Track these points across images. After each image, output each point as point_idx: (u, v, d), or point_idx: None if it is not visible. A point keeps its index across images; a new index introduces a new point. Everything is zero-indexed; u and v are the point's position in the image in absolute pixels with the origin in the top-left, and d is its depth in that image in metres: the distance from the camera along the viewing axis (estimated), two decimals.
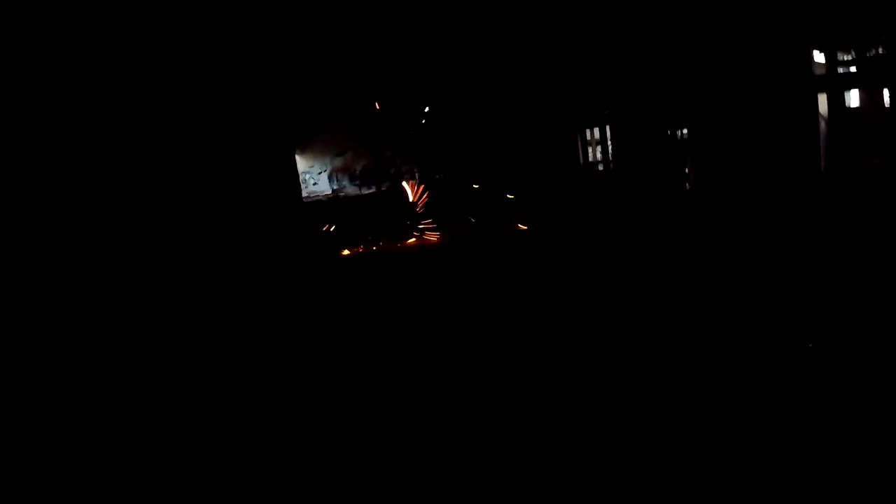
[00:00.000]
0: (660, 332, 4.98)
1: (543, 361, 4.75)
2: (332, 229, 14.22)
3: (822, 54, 9.86)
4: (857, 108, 11.15)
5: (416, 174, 16.01)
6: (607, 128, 12.34)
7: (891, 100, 10.18)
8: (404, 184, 15.01)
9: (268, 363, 5.73)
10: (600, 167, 13.02)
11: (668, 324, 5.15)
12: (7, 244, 10.08)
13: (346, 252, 13.00)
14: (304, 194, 16.33)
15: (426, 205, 14.48)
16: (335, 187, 16.38)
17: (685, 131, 10.97)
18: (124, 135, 12.54)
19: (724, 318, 5.13)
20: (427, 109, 14.72)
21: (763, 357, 4.22)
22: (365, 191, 15.82)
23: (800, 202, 9.05)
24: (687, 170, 10.85)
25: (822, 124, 9.77)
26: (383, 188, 15.31)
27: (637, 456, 3.19)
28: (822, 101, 9.64)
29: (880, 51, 9.54)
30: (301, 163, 16.51)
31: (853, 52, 9.90)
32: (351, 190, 16.04)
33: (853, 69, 9.86)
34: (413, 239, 13.33)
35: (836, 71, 9.64)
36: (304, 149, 16.51)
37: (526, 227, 11.48)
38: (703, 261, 7.10)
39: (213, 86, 13.92)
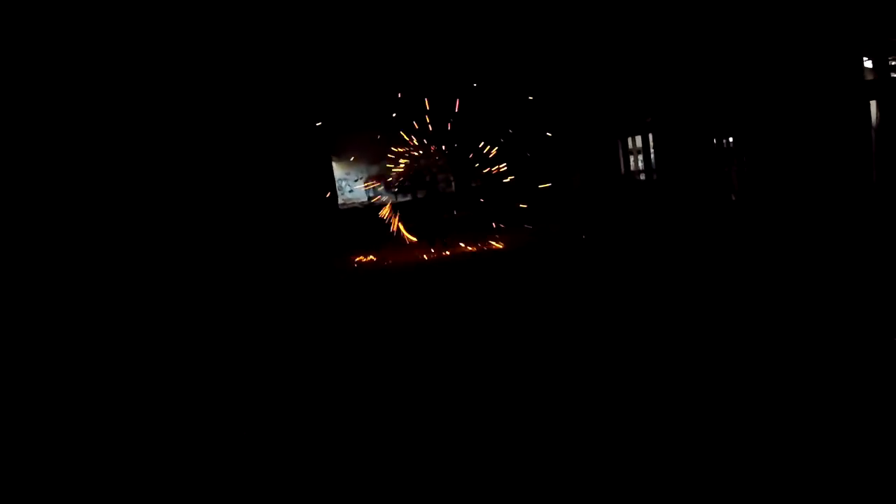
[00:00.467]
0: (710, 345, 4.90)
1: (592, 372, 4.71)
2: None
3: (871, 60, 9.67)
4: None
5: (452, 182, 16.03)
6: (650, 136, 12.22)
7: None
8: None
9: (307, 362, 5.74)
10: (642, 176, 12.90)
11: (720, 337, 5.06)
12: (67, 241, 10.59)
13: (370, 258, 12.97)
14: (340, 202, 16.44)
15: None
16: (371, 195, 16.45)
17: (731, 139, 10.84)
18: (168, 142, 12.88)
19: (774, 328, 5.03)
20: (461, 115, 14.67)
21: (817, 372, 4.14)
22: (401, 199, 15.85)
23: (851, 211, 8.86)
24: (733, 179, 10.71)
25: (871, 131, 9.57)
26: (419, 196, 15.32)
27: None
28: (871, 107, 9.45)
29: None
30: (337, 171, 16.63)
31: None
32: (387, 198, 16.10)
33: None
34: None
35: (889, 76, 9.44)
36: (340, 157, 16.62)
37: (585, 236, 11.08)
38: (752, 271, 6.96)
39: (249, 93, 14.11)
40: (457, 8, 13.18)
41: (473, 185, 15.18)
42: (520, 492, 3.18)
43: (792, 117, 9.81)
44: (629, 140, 13.18)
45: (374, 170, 16.58)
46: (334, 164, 16.53)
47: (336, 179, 16.58)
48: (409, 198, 15.52)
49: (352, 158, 16.29)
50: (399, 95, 14.25)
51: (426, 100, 14.24)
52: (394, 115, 14.28)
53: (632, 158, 13.22)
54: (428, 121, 14.37)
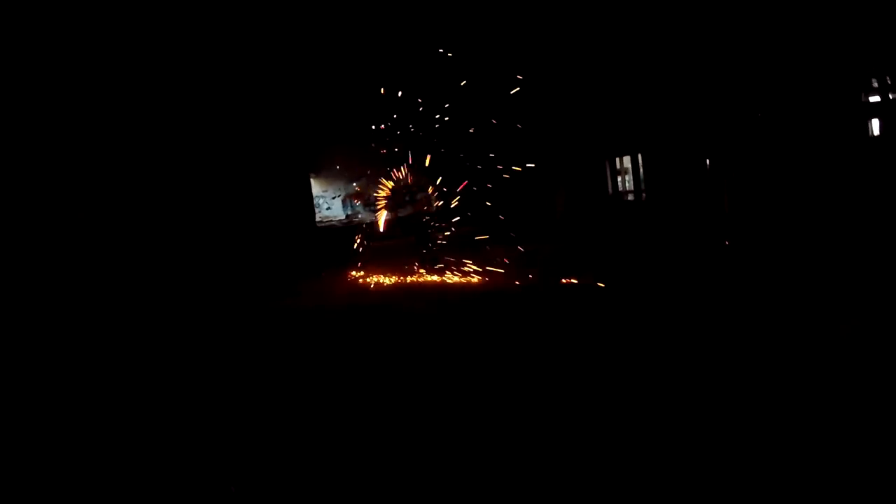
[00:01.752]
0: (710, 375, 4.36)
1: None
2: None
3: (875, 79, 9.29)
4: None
5: (434, 201, 15.45)
6: (639, 156, 11.68)
7: None
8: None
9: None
10: (630, 197, 12.33)
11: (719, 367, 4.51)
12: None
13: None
14: (318, 219, 15.83)
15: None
16: (349, 213, 15.88)
17: (723, 158, 10.34)
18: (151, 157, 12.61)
19: (779, 356, 4.56)
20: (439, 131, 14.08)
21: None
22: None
23: (847, 231, 8.36)
24: (725, 198, 10.17)
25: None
26: (400, 214, 14.73)
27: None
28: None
29: None
30: (315, 187, 16.04)
31: None
32: (365, 216, 15.52)
33: None
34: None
35: (889, 97, 9.05)
36: (319, 173, 16.06)
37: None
38: (749, 299, 6.39)
39: (227, 106, 13.58)
40: (439, 18, 12.74)
41: (455, 204, 14.57)
42: None
43: (786, 136, 9.38)
44: (617, 160, 12.63)
45: (353, 187, 16.03)
46: (312, 181, 15.94)
47: (314, 196, 15.98)
48: (389, 216, 14.93)
49: (337, 167, 15.63)
50: (378, 110, 13.70)
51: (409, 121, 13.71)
52: (373, 127, 13.66)
53: (619, 178, 12.66)
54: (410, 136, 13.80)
